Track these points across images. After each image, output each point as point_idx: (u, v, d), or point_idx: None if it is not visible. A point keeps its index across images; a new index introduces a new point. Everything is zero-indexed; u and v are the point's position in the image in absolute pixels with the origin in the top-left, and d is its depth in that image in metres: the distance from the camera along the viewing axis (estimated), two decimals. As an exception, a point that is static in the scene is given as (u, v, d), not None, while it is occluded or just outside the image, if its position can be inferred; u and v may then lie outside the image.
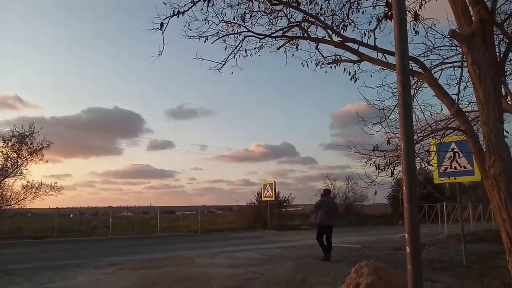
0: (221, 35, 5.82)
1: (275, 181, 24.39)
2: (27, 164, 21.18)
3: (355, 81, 5.39)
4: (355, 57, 5.24)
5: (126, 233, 21.03)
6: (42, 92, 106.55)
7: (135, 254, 11.88)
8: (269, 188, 24.28)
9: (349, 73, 5.46)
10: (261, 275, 7.82)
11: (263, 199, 25.05)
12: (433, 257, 10.01)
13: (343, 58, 5.54)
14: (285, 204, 29.92)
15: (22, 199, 21.62)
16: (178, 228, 23.83)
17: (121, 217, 32.97)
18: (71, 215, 40.28)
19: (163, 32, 5.47)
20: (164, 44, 5.67)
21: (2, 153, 20.56)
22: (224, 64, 6.06)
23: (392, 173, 4.14)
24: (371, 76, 5.68)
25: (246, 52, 6.12)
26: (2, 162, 20.60)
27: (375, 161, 4.21)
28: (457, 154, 8.28)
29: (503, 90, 4.88)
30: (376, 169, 4.11)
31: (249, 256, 10.88)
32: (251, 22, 5.93)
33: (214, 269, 8.56)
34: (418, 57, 4.81)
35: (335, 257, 10.16)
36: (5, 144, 20.52)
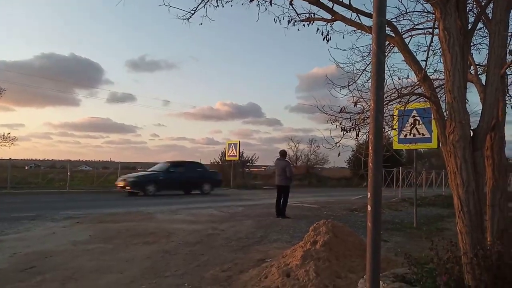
0: (190, -19, 5.44)
1: (239, 141, 24.55)
2: (-25, 112, 19.92)
3: (327, 41, 5.28)
4: (328, 16, 5.09)
5: (85, 187, 20.61)
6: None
7: (94, 208, 11.69)
8: (233, 148, 24.38)
9: (322, 32, 5.33)
10: (222, 232, 7.94)
11: (227, 158, 25.19)
12: (386, 219, 10.56)
13: (316, 17, 5.38)
14: (248, 164, 30.33)
15: (-29, 148, 20.56)
16: (139, 184, 23.59)
17: (79, 171, 32.15)
18: (26, 167, 38.71)
19: (127, -27, 5.04)
20: (127, -13, 5.24)
21: None
22: (193, 14, 5.69)
23: (357, 135, 4.18)
24: (343, 37, 5.57)
25: (217, 2, 5.79)
26: None
27: (341, 122, 4.23)
28: (417, 121, 8.56)
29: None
30: (341, 131, 4.13)
31: (211, 213, 11.00)
32: (224, -30, 5.57)
33: (175, 225, 8.59)
34: (391, 21, 4.75)
35: (295, 216, 10.48)
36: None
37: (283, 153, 11.35)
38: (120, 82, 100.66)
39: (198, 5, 5.59)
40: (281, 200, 10.48)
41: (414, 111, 8.16)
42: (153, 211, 10.97)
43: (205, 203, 13.97)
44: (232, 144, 24.57)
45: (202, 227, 8.39)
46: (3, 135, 21.47)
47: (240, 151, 25.57)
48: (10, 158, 19.98)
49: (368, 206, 2.24)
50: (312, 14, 5.36)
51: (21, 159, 33.55)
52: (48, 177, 22.82)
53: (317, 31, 5.33)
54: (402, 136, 8.69)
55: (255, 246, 6.68)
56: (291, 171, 10.89)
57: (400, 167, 19.43)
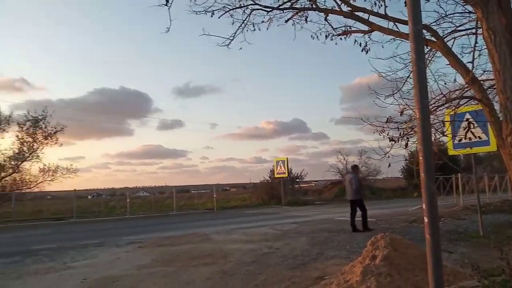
0: (227, 9, 5.70)
1: (287, 158, 24.54)
2: (42, 148, 21.78)
3: (366, 52, 5.28)
4: (365, 27, 5.11)
5: (144, 213, 21.50)
6: (48, 74, 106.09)
7: (153, 233, 12.16)
8: (281, 165, 24.39)
9: (360, 44, 5.35)
10: (277, 250, 7.94)
11: (276, 176, 25.22)
12: (449, 228, 10.02)
13: (353, 29, 5.41)
14: (298, 180, 30.10)
15: (41, 182, 22.31)
16: (193, 206, 24.24)
17: (137, 197, 33.54)
18: (89, 197, 41.13)
19: (169, 8, 5.39)
20: (171, 20, 5.60)
21: (18, 138, 21.08)
22: (232, 40, 5.96)
23: (406, 145, 4.10)
24: (382, 47, 5.54)
25: (254, 27, 6.01)
26: (18, 146, 21.16)
27: (388, 133, 4.16)
28: (471, 124, 8.13)
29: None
30: (390, 141, 4.07)
31: (265, 231, 11.04)
32: (258, -6, 5.79)
33: (231, 245, 8.72)
34: (430, 25, 4.66)
35: (350, 231, 10.28)
36: (20, 129, 21.01)
37: (353, 167, 11.39)
38: (168, 109, 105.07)
39: (236, 32, 5.85)
40: (355, 214, 10.56)
41: (467, 114, 7.77)
42: (208, 232, 11.21)
43: (258, 222, 14.05)
44: (280, 162, 24.60)
45: (257, 246, 8.44)
46: (67, 167, 23.12)
47: (289, 168, 25.51)
48: (74, 189, 21.35)
49: (424, 217, 2.20)
50: (348, 27, 5.41)
51: (84, 189, 35.80)
52: (110, 205, 24.10)
53: (354, 42, 5.34)
54: (456, 141, 8.28)
55: (312, 263, 6.61)
56: (357, 183, 10.74)
57: (459, 174, 18.37)
